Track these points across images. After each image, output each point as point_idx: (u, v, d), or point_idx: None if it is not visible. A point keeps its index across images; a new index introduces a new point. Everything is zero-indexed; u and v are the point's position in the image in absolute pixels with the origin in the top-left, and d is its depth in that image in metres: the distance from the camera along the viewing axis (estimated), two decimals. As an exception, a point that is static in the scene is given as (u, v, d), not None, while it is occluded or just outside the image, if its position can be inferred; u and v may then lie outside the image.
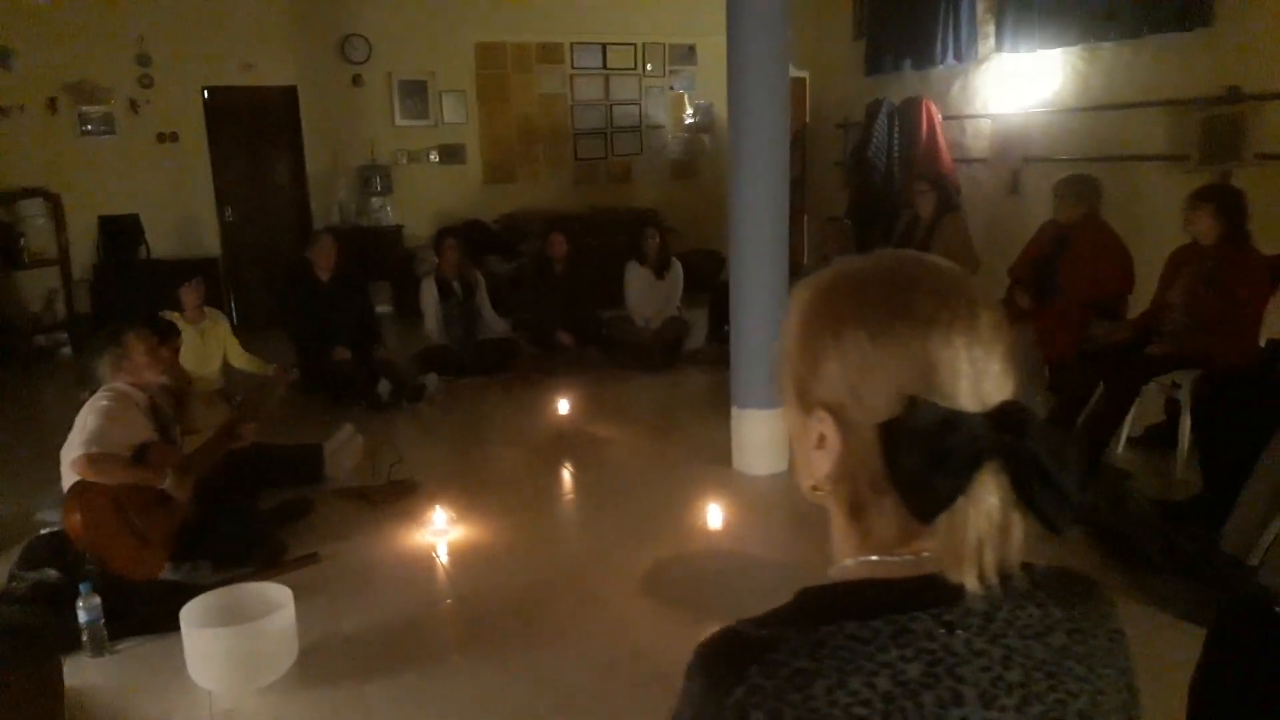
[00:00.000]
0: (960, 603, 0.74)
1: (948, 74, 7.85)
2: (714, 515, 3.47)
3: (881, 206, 7.74)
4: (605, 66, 8.97)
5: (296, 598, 2.82)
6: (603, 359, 6.50)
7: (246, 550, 3.45)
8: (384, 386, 5.44)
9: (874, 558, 0.81)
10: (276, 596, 2.78)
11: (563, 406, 4.95)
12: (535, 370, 6.24)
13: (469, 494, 4.14)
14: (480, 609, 3.15)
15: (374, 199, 8.18)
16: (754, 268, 4.16)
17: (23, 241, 7.13)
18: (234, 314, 7.78)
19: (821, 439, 0.79)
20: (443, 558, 3.59)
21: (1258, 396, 3.29)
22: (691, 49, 9.27)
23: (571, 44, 8.83)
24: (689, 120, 9.45)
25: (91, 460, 2.95)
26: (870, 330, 0.76)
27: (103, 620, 2.78)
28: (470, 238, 8.43)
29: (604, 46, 8.88)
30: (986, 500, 0.73)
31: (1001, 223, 7.19)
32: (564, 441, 4.82)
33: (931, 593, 0.74)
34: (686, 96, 9.40)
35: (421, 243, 8.11)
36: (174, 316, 5.07)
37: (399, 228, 8.13)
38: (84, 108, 7.26)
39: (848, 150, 8.64)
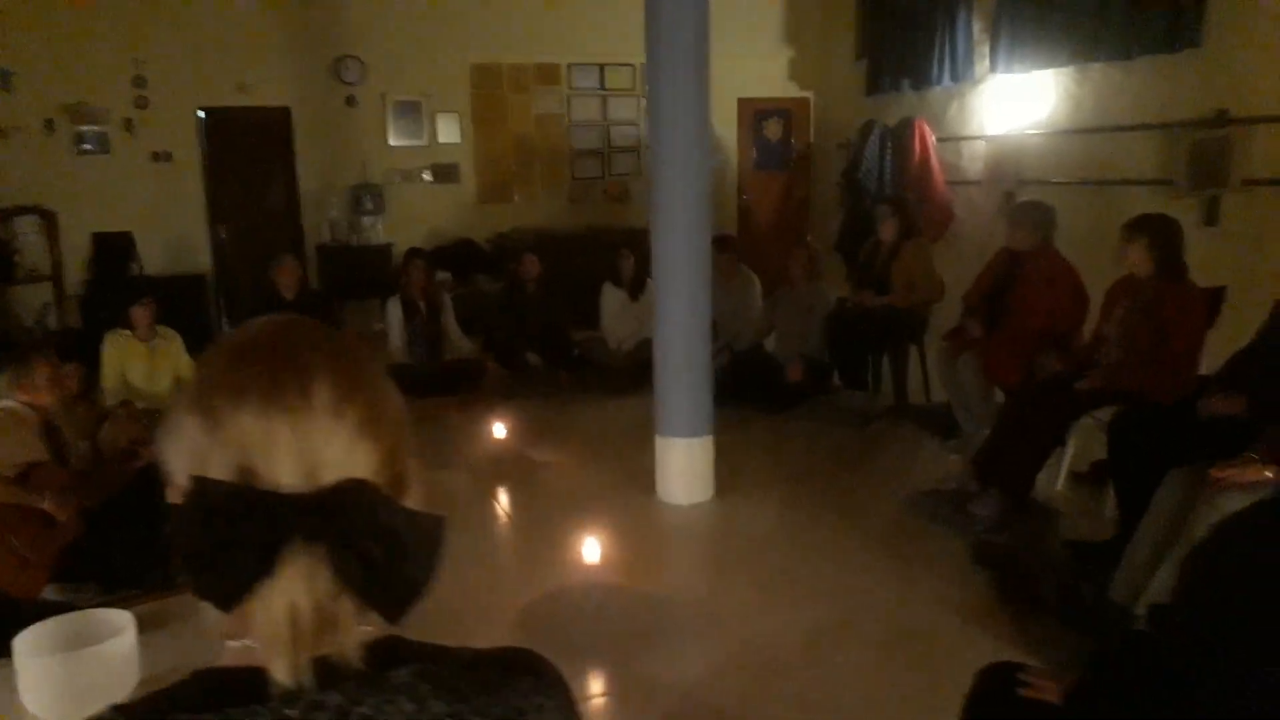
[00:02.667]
0: (295, 696, 0.68)
1: (945, 94, 7.68)
2: (590, 549, 3.36)
3: (871, 229, 7.56)
4: (603, 87, 8.94)
5: (173, 622, 2.83)
6: (572, 381, 6.42)
7: (139, 573, 3.43)
8: (332, 406, 5.41)
9: (242, 642, 0.74)
10: (118, 622, 2.74)
11: (499, 430, 4.86)
12: (498, 391, 6.19)
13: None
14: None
15: (365, 218, 8.24)
16: (674, 296, 4.05)
17: (17, 257, 7.32)
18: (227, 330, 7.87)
19: None
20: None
21: (1175, 434, 3.08)
22: (691, 69, 9.18)
23: (569, 65, 8.83)
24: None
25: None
26: (199, 405, 0.71)
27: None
28: (460, 257, 8.49)
29: (601, 67, 8.85)
30: (294, 586, 0.67)
31: (995, 246, 6.97)
32: (499, 466, 4.76)
33: (265, 685, 0.69)
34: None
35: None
36: (125, 335, 5.12)
37: (388, 246, 8.17)
38: (80, 127, 7.44)
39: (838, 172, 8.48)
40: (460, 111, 8.56)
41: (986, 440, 3.98)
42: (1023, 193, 6.96)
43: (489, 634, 3.08)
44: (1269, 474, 2.49)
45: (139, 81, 7.54)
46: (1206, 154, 5.46)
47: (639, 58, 8.87)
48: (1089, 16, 6.10)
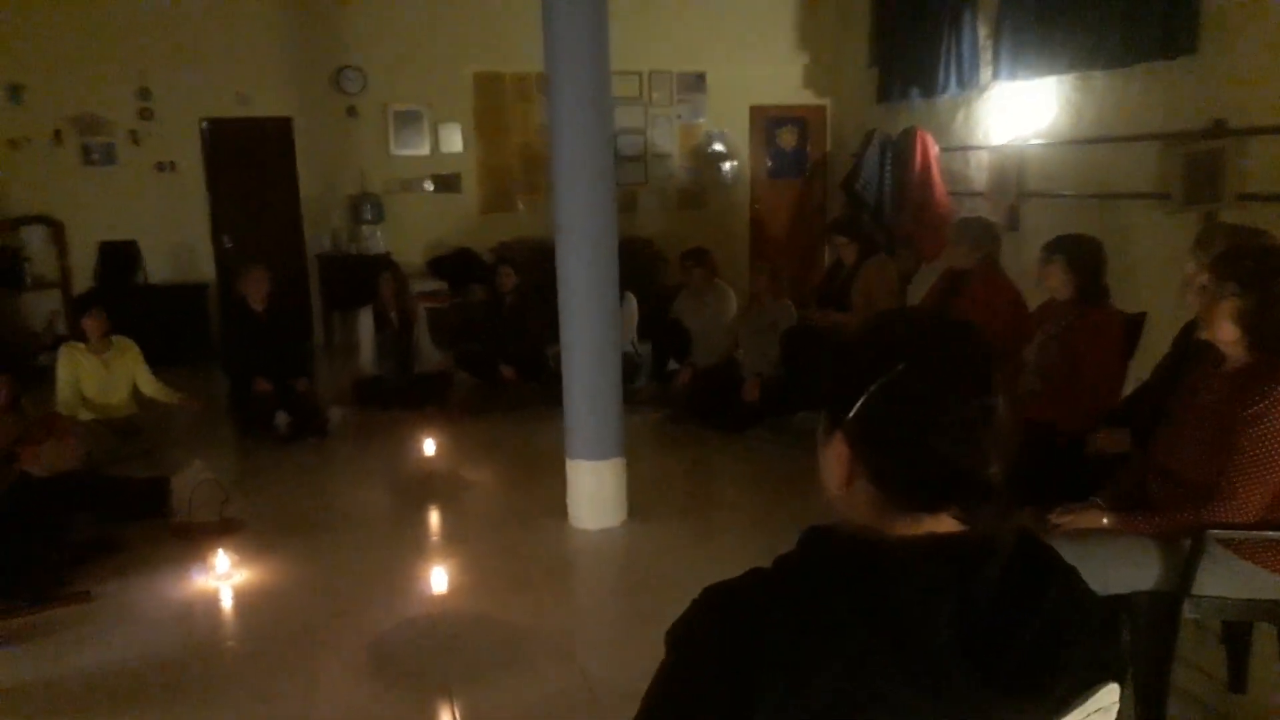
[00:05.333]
0: None
1: (951, 103, 7.37)
2: (438, 578, 3.23)
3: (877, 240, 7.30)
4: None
5: (41, 635, 3.01)
6: (540, 394, 6.32)
7: (15, 583, 3.44)
8: (281, 419, 5.44)
9: None
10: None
11: (429, 447, 4.78)
12: (463, 405, 6.14)
13: (291, 535, 4.06)
14: (204, 659, 3.05)
15: (365, 227, 8.29)
16: (581, 315, 3.91)
17: (26, 265, 7.57)
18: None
19: None
20: (224, 602, 3.52)
21: (1067, 473, 2.82)
22: (701, 77, 9.03)
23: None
24: (714, 148, 9.19)
25: None
26: None
27: None
28: (458, 267, 8.47)
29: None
30: None
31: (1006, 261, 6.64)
32: (426, 484, 4.67)
33: None
34: (701, 126, 9.16)
35: (410, 270, 8.16)
36: (78, 347, 5.21)
37: (387, 255, 8.19)
38: (87, 139, 7.66)
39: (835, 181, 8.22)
40: (462, 121, 8.55)
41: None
42: (1026, 205, 6.63)
43: (335, 659, 2.99)
44: (1106, 521, 2.24)
45: (143, 93, 7.72)
46: (1201, 167, 5.10)
47: (647, 65, 8.86)
48: (1089, 22, 5.77)
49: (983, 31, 6.94)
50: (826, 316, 5.35)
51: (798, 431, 5.20)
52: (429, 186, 8.56)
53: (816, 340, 5.23)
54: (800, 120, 9.34)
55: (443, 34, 8.28)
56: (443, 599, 3.30)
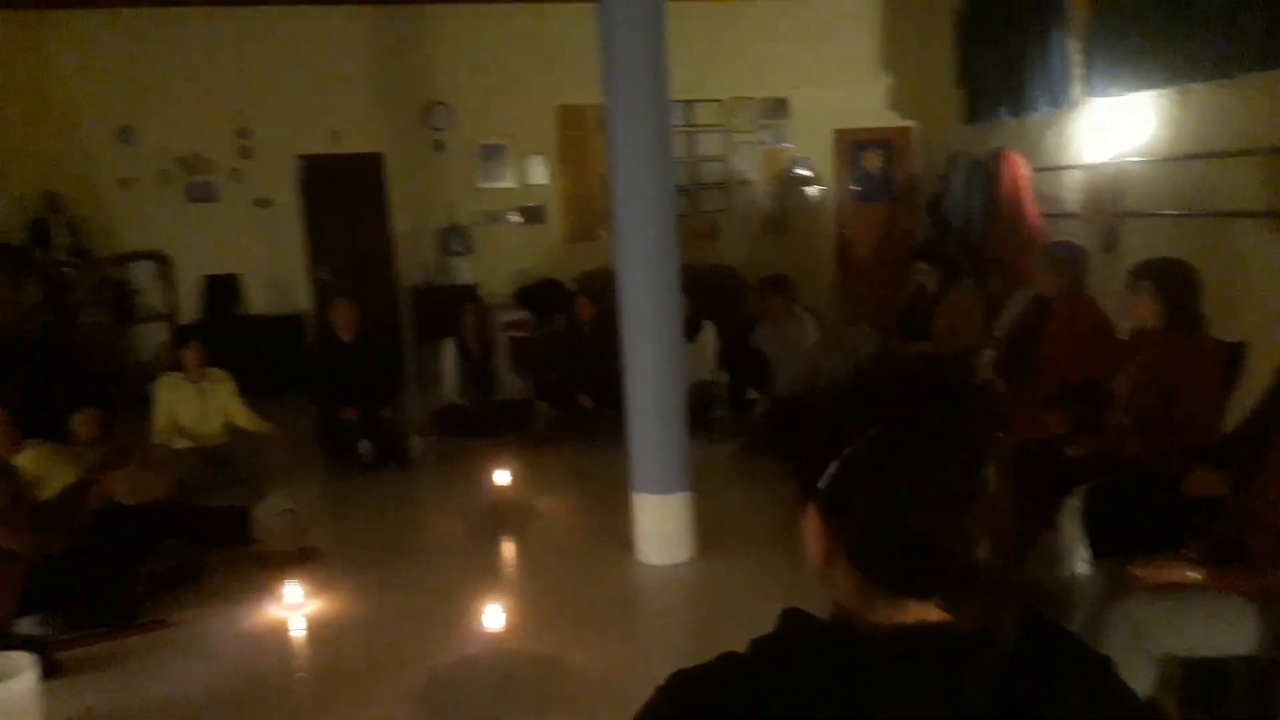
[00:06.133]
0: None
1: (1042, 121, 7.11)
2: (497, 616, 3.21)
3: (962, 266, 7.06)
4: (691, 123, 8.83)
5: (114, 663, 3.09)
6: (620, 424, 6.29)
7: (99, 609, 3.57)
8: (364, 448, 5.56)
9: None
10: (18, 665, 2.84)
11: (502, 477, 4.80)
12: (542, 434, 6.17)
13: (365, 566, 4.13)
14: (268, 693, 3.10)
15: (454, 259, 8.47)
16: (643, 347, 3.88)
17: (137, 299, 7.99)
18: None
19: None
20: (294, 633, 3.58)
21: (1159, 516, 2.63)
22: (783, 102, 8.95)
23: (657, 102, 8.77)
24: (798, 173, 9.09)
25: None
26: None
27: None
28: (544, 296, 8.56)
29: (688, 103, 8.74)
30: None
31: (1094, 285, 6.33)
32: (498, 514, 4.70)
33: None
34: (784, 151, 9.08)
35: (497, 301, 8.31)
36: (176, 376, 5.43)
37: (474, 286, 8.35)
38: (192, 178, 8.05)
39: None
40: (547, 153, 8.68)
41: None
42: (1123, 226, 6.32)
43: (395, 693, 3.01)
44: (1194, 575, 2.06)
45: (243, 133, 8.09)
46: (1315, 181, 4.77)
47: (729, 92, 8.84)
48: (1187, 32, 5.49)
49: (1073, 46, 6.68)
50: (907, 345, 5.19)
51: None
52: (515, 218, 8.70)
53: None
54: (886, 143, 9.16)
55: (527, 69, 8.43)
56: (502, 635, 3.29)
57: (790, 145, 9.06)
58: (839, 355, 5.57)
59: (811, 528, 0.86)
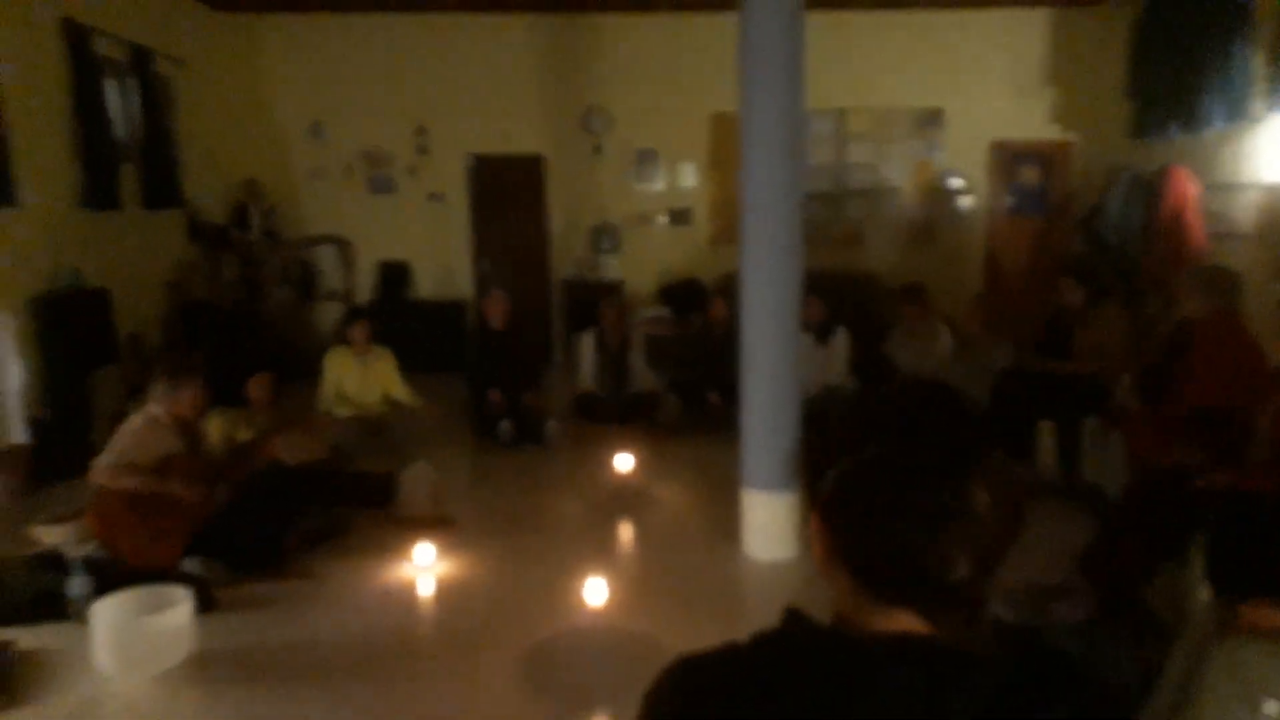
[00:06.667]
0: None
1: (1217, 137, 6.76)
2: (601, 591, 3.45)
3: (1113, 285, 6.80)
4: (842, 131, 8.86)
5: (256, 607, 3.48)
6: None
7: (254, 557, 3.96)
8: (505, 427, 5.97)
9: None
10: (177, 597, 3.27)
11: (624, 462, 5.07)
12: (670, 425, 6.42)
13: (491, 535, 4.48)
14: (388, 644, 3.43)
15: (603, 256, 8.85)
16: (760, 345, 4.04)
17: (319, 279, 8.78)
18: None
19: None
20: (421, 591, 3.94)
21: None
22: (938, 113, 8.84)
23: (808, 111, 8.85)
24: (949, 183, 8.97)
25: (109, 472, 3.70)
26: None
27: (85, 595, 3.41)
28: (685, 295, 8.80)
29: (841, 111, 8.78)
30: None
31: (1267, 313, 5.99)
32: (618, 497, 4.97)
33: None
34: (936, 161, 8.96)
35: (640, 298, 8.64)
36: (344, 349, 6.00)
37: (620, 283, 8.70)
38: (373, 171, 8.78)
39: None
40: (697, 159, 8.93)
41: (1095, 534, 3.53)
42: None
43: (496, 656, 3.29)
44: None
45: (421, 131, 8.74)
46: None
47: (882, 101, 8.80)
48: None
49: (1258, 59, 6.31)
50: (1043, 361, 5.11)
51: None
52: (663, 219, 8.99)
53: (1028, 385, 5.01)
54: (1044, 157, 8.88)
55: (682, 77, 8.70)
56: (605, 612, 3.54)
57: (942, 155, 8.93)
58: (973, 367, 5.52)
59: (814, 531, 0.95)
